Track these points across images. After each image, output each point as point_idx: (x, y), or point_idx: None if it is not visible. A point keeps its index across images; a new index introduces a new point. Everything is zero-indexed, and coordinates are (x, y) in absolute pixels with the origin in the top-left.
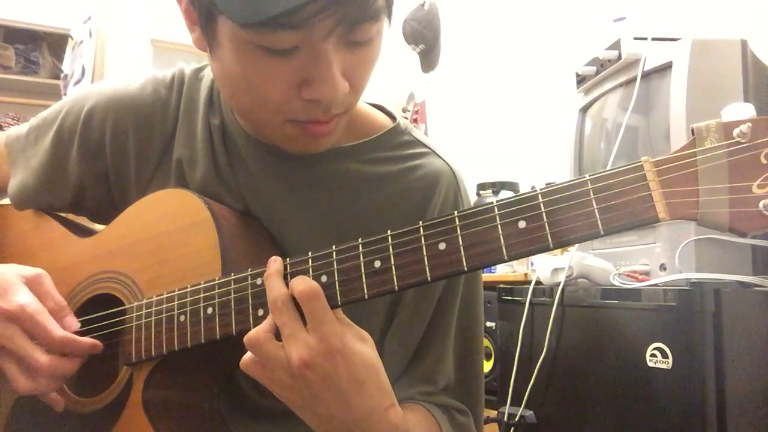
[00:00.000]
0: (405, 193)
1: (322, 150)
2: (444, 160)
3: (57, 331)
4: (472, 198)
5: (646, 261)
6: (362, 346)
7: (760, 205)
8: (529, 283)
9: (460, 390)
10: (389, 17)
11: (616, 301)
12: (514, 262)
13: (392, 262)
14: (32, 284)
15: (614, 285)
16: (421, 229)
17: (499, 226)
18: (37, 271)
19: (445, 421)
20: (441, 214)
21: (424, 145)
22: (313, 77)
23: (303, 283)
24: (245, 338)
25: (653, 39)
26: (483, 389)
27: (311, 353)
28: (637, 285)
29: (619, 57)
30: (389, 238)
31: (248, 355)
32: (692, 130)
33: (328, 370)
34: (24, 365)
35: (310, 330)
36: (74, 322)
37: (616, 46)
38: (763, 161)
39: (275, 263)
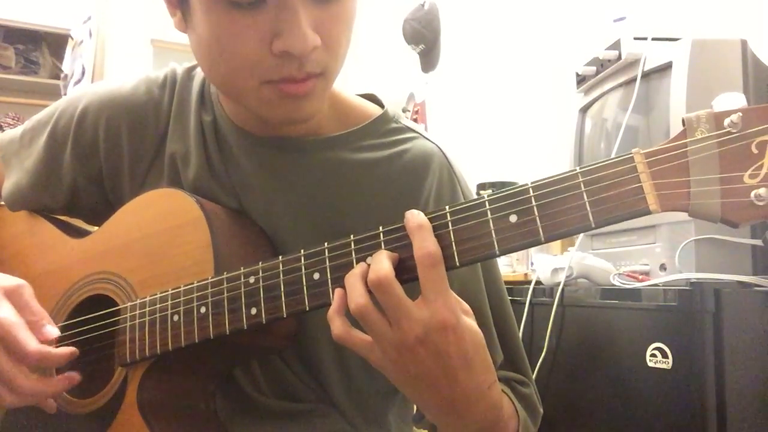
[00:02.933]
0: (397, 176)
1: (305, 116)
2: (432, 142)
3: (31, 345)
4: (470, 187)
5: (646, 261)
6: (470, 320)
7: (752, 195)
8: (529, 283)
9: (511, 366)
10: None
11: (616, 301)
12: (514, 262)
13: None
14: (12, 296)
15: (614, 285)
16: None
17: (491, 221)
18: (18, 281)
19: (510, 393)
20: (437, 201)
21: (412, 130)
22: (282, 29)
23: (424, 247)
24: (354, 311)
25: (653, 39)
26: (527, 361)
27: (425, 329)
28: (637, 285)
29: (619, 57)
30: (381, 234)
31: (343, 326)
32: (683, 120)
33: (440, 346)
34: (5, 382)
35: (425, 302)
36: (53, 331)
37: (616, 46)
38: (754, 151)
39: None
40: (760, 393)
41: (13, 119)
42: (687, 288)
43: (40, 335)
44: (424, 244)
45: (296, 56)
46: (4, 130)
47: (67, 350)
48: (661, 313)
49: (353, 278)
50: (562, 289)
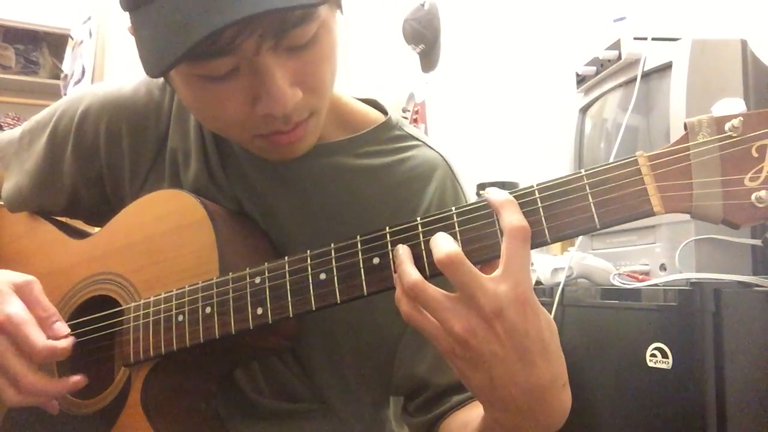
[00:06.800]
0: (399, 183)
1: (301, 153)
2: (436, 151)
3: (40, 341)
4: (472, 198)
5: (646, 261)
6: (542, 306)
7: (752, 197)
8: None
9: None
10: (339, 4)
11: (616, 301)
12: None
13: (391, 258)
14: (22, 292)
15: (614, 285)
16: (419, 225)
17: (497, 222)
18: (27, 278)
19: None
20: (439, 209)
21: (416, 138)
22: (260, 93)
23: (516, 220)
24: (408, 287)
25: (653, 39)
26: None
27: (503, 303)
28: (637, 285)
29: (619, 57)
30: (387, 234)
31: (411, 306)
32: (685, 125)
33: (517, 323)
34: (11, 380)
35: (506, 275)
36: (63, 328)
37: (616, 46)
38: (755, 154)
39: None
40: (760, 393)
41: (13, 119)
42: (687, 288)
43: (51, 331)
44: (516, 217)
45: (280, 115)
46: (4, 130)
47: (67, 341)
48: (661, 313)
49: (403, 264)
50: (562, 289)
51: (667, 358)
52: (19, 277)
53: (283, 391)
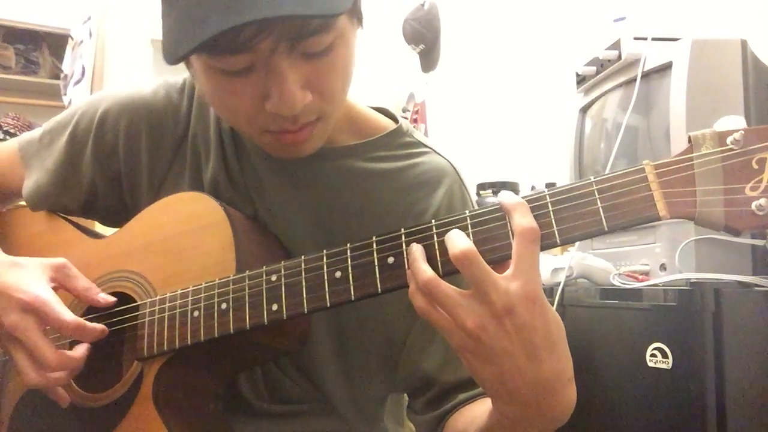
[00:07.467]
0: (409, 187)
1: (308, 153)
2: (444, 158)
3: (68, 316)
4: (473, 198)
5: (646, 261)
6: (549, 304)
7: (753, 205)
8: None
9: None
10: (359, 19)
11: (616, 301)
12: None
13: (405, 258)
14: (60, 272)
15: (614, 285)
16: (434, 227)
17: (509, 224)
18: (61, 260)
19: None
20: (448, 213)
21: (425, 146)
22: (271, 91)
23: (527, 222)
24: (423, 283)
25: (653, 39)
26: None
27: (514, 301)
28: (637, 285)
29: (619, 57)
30: (402, 235)
31: (426, 301)
32: (689, 137)
33: (526, 320)
34: (34, 359)
35: (517, 274)
36: (107, 297)
37: (616, 46)
38: (755, 166)
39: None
40: (760, 393)
41: (13, 119)
42: (687, 288)
43: (96, 301)
44: (526, 219)
45: (287, 115)
46: (4, 130)
47: (99, 326)
48: (661, 313)
49: (416, 262)
50: (562, 289)
51: (667, 358)
52: (54, 260)
53: (284, 396)
